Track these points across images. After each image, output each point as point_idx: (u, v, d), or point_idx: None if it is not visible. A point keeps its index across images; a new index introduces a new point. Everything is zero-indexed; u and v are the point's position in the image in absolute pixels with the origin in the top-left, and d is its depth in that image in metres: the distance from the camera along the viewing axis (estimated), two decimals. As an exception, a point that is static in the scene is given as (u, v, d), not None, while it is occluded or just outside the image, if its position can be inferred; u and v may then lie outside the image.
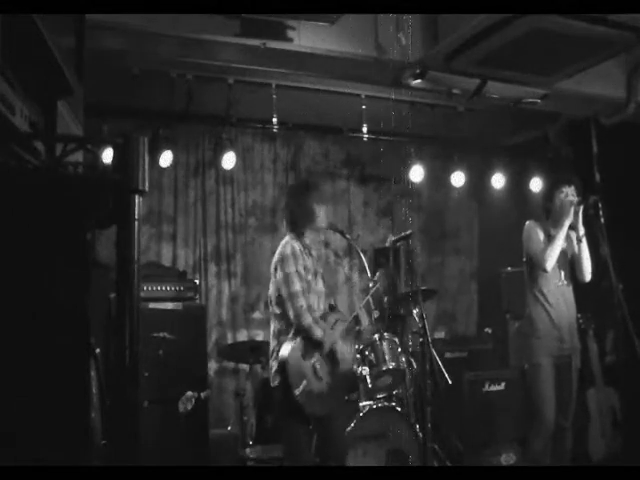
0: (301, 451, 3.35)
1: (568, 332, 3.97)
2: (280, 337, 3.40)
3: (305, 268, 3.43)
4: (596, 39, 3.69)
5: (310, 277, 3.47)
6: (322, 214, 3.58)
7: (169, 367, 4.17)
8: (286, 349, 3.30)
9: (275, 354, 3.38)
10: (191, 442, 4.23)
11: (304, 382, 3.28)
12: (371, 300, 3.68)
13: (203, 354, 4.56)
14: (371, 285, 3.80)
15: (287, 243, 3.48)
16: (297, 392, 3.23)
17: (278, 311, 3.42)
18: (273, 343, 3.45)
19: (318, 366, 3.38)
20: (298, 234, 3.53)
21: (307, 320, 3.31)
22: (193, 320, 4.48)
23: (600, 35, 3.63)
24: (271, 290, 3.49)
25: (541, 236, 3.97)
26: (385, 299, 4.69)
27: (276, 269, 3.44)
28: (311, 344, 3.36)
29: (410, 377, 4.38)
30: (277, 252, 3.49)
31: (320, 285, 3.59)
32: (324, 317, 3.54)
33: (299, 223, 3.54)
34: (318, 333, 3.34)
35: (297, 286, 3.34)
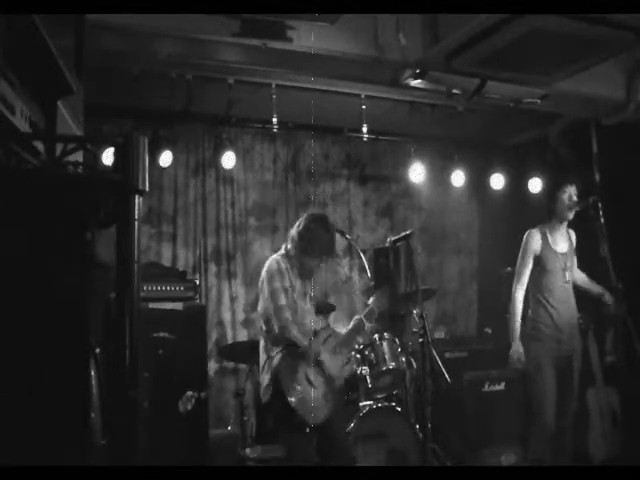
0: (300, 458, 3.35)
1: (569, 333, 3.98)
2: (269, 352, 3.42)
3: (291, 286, 3.46)
4: (596, 39, 3.69)
5: (297, 296, 3.49)
6: (322, 259, 3.61)
7: (169, 367, 4.16)
8: (276, 359, 3.33)
9: (266, 367, 3.40)
10: (191, 442, 4.22)
11: (298, 388, 3.28)
12: (365, 321, 3.66)
13: (203, 354, 4.55)
14: (369, 301, 3.78)
15: (274, 260, 3.51)
16: (291, 398, 3.24)
17: (265, 327, 3.45)
18: (263, 358, 3.47)
19: (312, 374, 3.39)
20: (291, 256, 3.54)
21: (292, 331, 3.33)
22: (193, 320, 4.47)
23: (600, 35, 3.63)
24: (260, 307, 3.52)
25: (537, 246, 3.99)
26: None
27: (263, 286, 3.47)
28: (299, 354, 3.37)
29: (410, 377, 4.38)
30: (264, 269, 3.52)
31: (309, 305, 3.60)
32: (316, 334, 3.55)
33: (302, 251, 3.52)
34: (304, 343, 3.35)
35: (282, 301, 3.37)
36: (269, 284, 3.42)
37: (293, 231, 3.59)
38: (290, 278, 3.47)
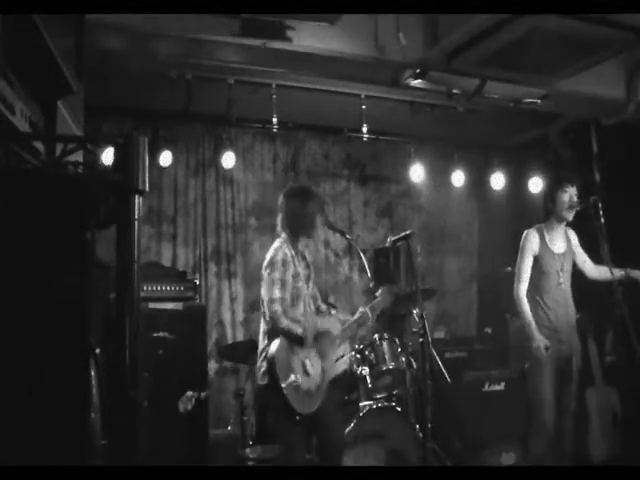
0: (292, 448, 3.34)
1: (567, 333, 3.98)
2: (269, 337, 3.41)
3: (295, 275, 3.44)
4: (596, 39, 3.69)
5: (300, 283, 3.48)
6: (319, 225, 3.59)
7: (169, 367, 4.17)
8: (274, 345, 3.31)
9: (264, 354, 3.39)
10: (191, 442, 4.23)
11: (292, 376, 3.28)
12: (369, 314, 3.67)
13: (203, 354, 4.56)
14: (377, 293, 3.78)
15: (279, 248, 3.46)
16: (284, 384, 3.23)
17: (267, 312, 3.44)
18: (262, 344, 3.45)
19: (308, 363, 3.38)
20: (292, 239, 3.53)
21: (283, 323, 3.31)
22: (193, 320, 4.48)
23: (600, 35, 3.63)
24: (262, 291, 3.50)
25: (535, 246, 3.98)
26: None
27: (264, 273, 3.45)
28: (296, 341, 3.36)
29: (410, 377, 4.38)
30: (268, 254, 3.48)
31: (312, 290, 3.61)
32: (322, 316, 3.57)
33: (295, 229, 3.53)
34: (298, 330, 3.33)
35: (277, 293, 3.35)
36: (269, 274, 3.39)
37: (278, 214, 3.60)
38: (295, 265, 3.45)
